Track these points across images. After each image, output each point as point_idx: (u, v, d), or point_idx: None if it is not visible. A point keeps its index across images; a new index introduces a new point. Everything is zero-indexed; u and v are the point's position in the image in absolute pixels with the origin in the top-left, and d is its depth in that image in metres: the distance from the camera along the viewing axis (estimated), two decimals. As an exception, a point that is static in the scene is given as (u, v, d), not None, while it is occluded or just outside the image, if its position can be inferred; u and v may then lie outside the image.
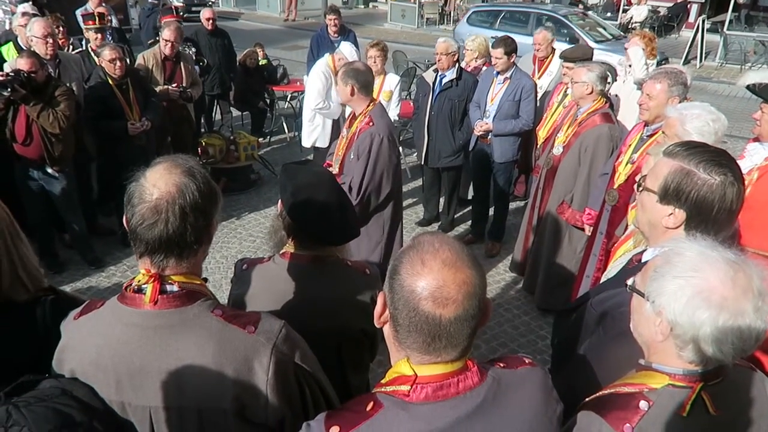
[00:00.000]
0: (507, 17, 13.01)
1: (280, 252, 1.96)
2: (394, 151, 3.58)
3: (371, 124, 3.49)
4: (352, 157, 3.56)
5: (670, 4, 18.27)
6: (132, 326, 1.30)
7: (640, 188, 1.69)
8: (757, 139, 3.13)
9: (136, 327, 1.30)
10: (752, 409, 1.33)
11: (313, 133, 5.80)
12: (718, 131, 2.42)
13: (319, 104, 5.68)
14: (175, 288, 1.32)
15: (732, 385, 1.28)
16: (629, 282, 1.35)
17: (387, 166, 3.54)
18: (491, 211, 5.58)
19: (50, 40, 4.77)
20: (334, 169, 3.72)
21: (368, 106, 3.55)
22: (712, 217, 1.55)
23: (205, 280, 1.42)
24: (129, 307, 1.31)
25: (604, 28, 12.79)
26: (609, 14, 17.93)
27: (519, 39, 5.48)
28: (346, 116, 5.14)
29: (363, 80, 3.46)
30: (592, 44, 10.94)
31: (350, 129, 3.66)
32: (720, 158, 1.56)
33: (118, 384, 1.30)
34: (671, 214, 1.60)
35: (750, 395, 1.34)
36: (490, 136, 5.02)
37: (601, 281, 2.65)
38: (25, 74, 4.14)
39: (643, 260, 1.72)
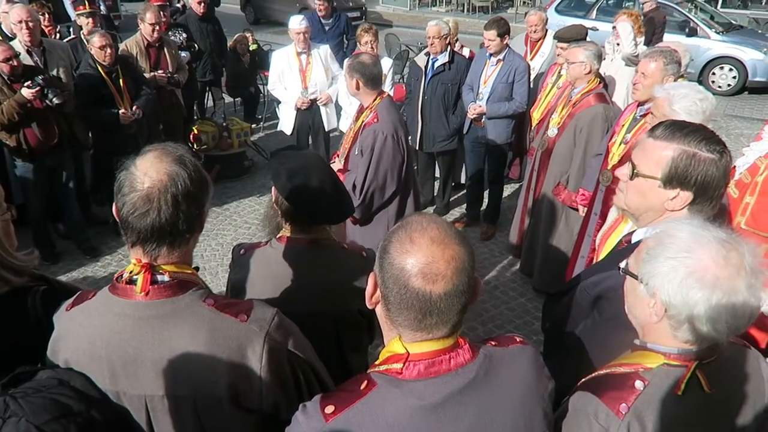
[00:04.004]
0: (604, 5, 11.51)
1: (277, 236, 1.98)
2: (400, 150, 3.47)
3: (376, 120, 3.39)
4: (356, 152, 3.49)
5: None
6: (124, 317, 1.30)
7: (634, 176, 1.65)
8: None
9: (128, 317, 1.30)
10: (747, 386, 1.34)
11: (288, 119, 5.82)
12: (706, 110, 2.42)
13: (275, 89, 5.69)
14: (167, 278, 1.31)
15: (726, 362, 1.29)
16: (622, 265, 1.36)
17: (391, 165, 3.44)
18: (486, 194, 5.58)
19: (28, 26, 4.59)
20: (340, 163, 3.66)
21: (375, 100, 3.45)
22: (713, 194, 1.56)
23: (197, 269, 1.42)
24: (120, 298, 1.31)
25: (712, 16, 11.34)
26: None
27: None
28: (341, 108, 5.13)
29: (369, 74, 3.36)
30: (715, 37, 10.30)
31: (356, 123, 3.57)
32: (711, 134, 1.58)
33: (112, 374, 1.30)
34: (676, 196, 1.58)
35: (744, 373, 1.36)
36: (483, 119, 5.00)
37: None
38: (47, 75, 4.24)
39: (633, 241, 1.72)
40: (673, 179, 1.57)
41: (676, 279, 1.17)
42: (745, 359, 1.37)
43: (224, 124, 6.88)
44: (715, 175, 1.54)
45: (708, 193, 1.56)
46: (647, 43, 6.37)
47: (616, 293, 1.40)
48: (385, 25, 16.28)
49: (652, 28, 8.26)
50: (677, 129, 1.60)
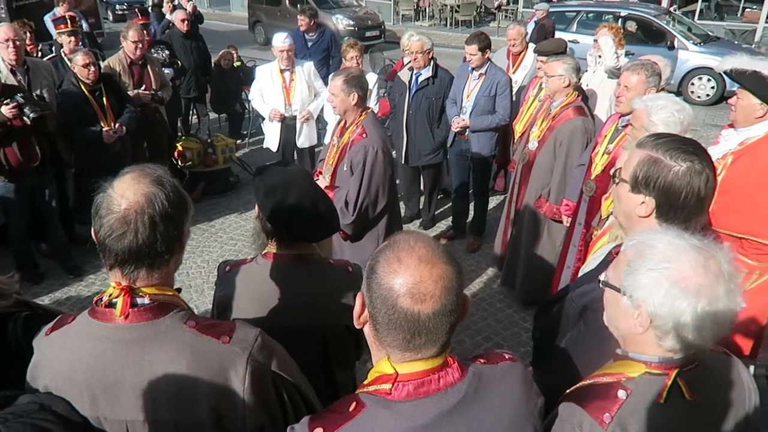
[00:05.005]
0: (584, 19, 11.81)
1: (263, 252, 1.97)
2: (390, 164, 3.50)
3: (364, 135, 3.39)
4: (345, 169, 3.48)
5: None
6: (104, 340, 1.28)
7: (616, 180, 1.72)
8: (732, 125, 3.19)
9: (107, 341, 1.28)
10: (727, 392, 1.36)
11: (273, 135, 5.83)
12: (683, 121, 2.48)
13: (254, 100, 5.76)
14: (147, 300, 1.30)
15: (707, 370, 1.31)
16: (601, 278, 1.37)
17: (382, 180, 3.46)
18: (472, 207, 5.61)
19: (14, 44, 4.57)
20: (325, 179, 3.64)
21: (361, 115, 3.45)
22: (680, 203, 1.58)
23: (179, 290, 1.40)
24: (100, 322, 1.30)
25: (689, 28, 11.57)
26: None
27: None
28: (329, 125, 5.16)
29: (365, 89, 3.38)
30: (693, 48, 10.45)
31: (341, 138, 3.56)
32: (687, 146, 1.60)
33: (92, 399, 1.28)
34: (643, 202, 1.63)
35: (724, 379, 1.37)
36: (467, 132, 5.04)
37: (580, 273, 2.69)
38: (27, 93, 4.21)
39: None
40: (638, 183, 1.62)
41: (662, 290, 1.18)
42: (724, 366, 1.39)
43: (209, 140, 6.87)
44: (677, 184, 1.56)
45: (671, 201, 1.59)
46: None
47: (601, 305, 1.41)
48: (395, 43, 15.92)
49: (543, 34, 9.10)
50: (654, 137, 1.66)
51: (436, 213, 6.02)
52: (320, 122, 6.22)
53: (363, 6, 17.54)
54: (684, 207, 1.59)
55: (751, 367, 2.42)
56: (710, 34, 11.84)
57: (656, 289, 1.19)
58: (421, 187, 5.92)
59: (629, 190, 1.65)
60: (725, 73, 3.07)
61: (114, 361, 1.27)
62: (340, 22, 15.45)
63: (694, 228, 1.28)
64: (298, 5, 13.69)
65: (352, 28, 15.26)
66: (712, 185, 1.59)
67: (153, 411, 1.28)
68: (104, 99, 4.90)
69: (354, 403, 1.12)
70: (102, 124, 4.86)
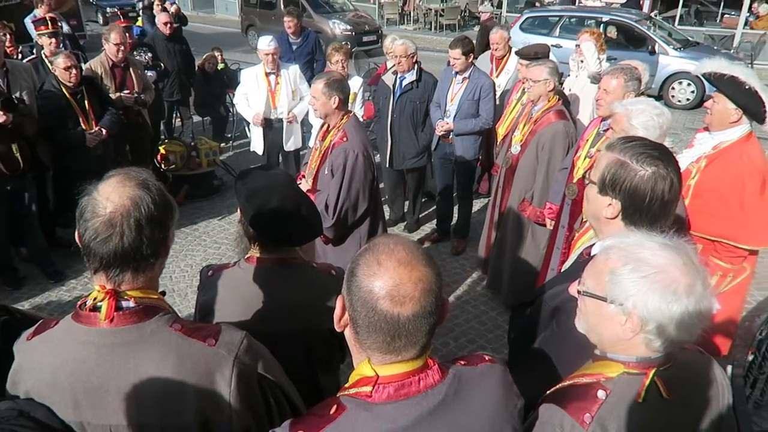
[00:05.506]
0: (567, 24, 11.86)
1: (245, 257, 1.96)
2: (370, 167, 3.50)
3: (345, 139, 3.39)
4: (326, 172, 3.48)
5: (623, 0, 18.74)
6: (88, 344, 1.28)
7: (586, 181, 1.76)
8: (707, 129, 3.24)
9: (92, 345, 1.27)
10: (703, 390, 1.39)
11: (258, 138, 5.83)
12: (663, 125, 2.53)
13: (239, 104, 5.75)
14: (132, 304, 1.29)
15: (682, 368, 1.33)
16: (581, 289, 1.36)
17: (363, 183, 3.46)
18: (456, 210, 5.64)
19: None
20: (308, 183, 3.64)
21: (342, 119, 3.45)
22: (645, 206, 1.62)
23: (163, 293, 1.40)
24: (84, 326, 1.29)
25: (669, 33, 11.72)
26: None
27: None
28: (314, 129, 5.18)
29: (346, 93, 3.37)
30: (674, 53, 10.60)
31: (323, 142, 3.56)
32: (654, 151, 1.64)
33: (75, 404, 1.27)
34: (609, 204, 1.67)
35: (699, 377, 1.40)
36: (451, 136, 5.07)
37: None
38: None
39: (592, 253, 1.77)
40: (606, 185, 1.66)
41: (655, 295, 1.20)
42: (699, 365, 1.42)
43: (192, 143, 6.83)
44: (642, 188, 1.60)
45: (636, 204, 1.62)
46: (483, 50, 6.89)
47: (572, 306, 1.43)
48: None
49: (487, 36, 9.03)
50: (623, 141, 1.70)
51: (420, 216, 6.04)
52: (305, 125, 6.22)
53: (356, 11, 17.39)
54: (649, 210, 1.62)
55: (729, 367, 2.47)
56: (690, 39, 12.03)
57: (649, 294, 1.20)
58: (406, 191, 5.94)
59: (597, 191, 1.69)
60: (703, 76, 3.11)
61: (98, 366, 1.27)
62: (336, 26, 15.28)
63: (660, 231, 1.31)
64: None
65: (350, 33, 15.09)
66: (677, 190, 1.63)
67: (138, 415, 1.28)
68: (86, 102, 4.85)
69: (335, 406, 1.13)
70: (84, 127, 4.81)
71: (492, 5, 19.26)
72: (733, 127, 3.06)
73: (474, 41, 5.02)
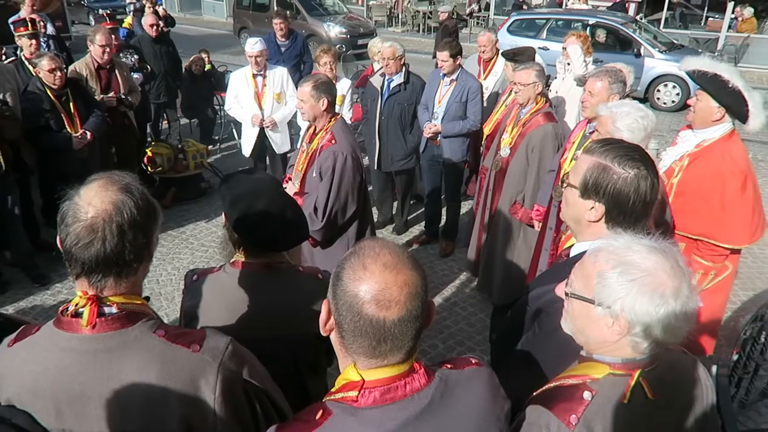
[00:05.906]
0: (554, 26, 12.01)
1: (231, 261, 1.94)
2: (359, 170, 3.50)
3: (333, 141, 3.38)
4: (314, 175, 3.46)
5: (609, 3, 18.91)
6: (70, 351, 1.26)
7: (564, 185, 1.76)
8: (689, 127, 3.27)
9: (74, 352, 1.26)
10: (686, 391, 1.40)
11: (250, 140, 5.80)
12: (647, 127, 2.55)
13: (232, 109, 5.74)
14: (114, 310, 1.28)
15: (666, 369, 1.34)
16: (568, 290, 1.37)
17: (352, 186, 3.44)
18: (444, 212, 5.65)
19: None
20: (295, 185, 3.62)
21: (330, 121, 3.45)
22: (628, 208, 1.64)
23: (147, 298, 1.38)
24: (66, 332, 1.27)
25: (655, 36, 11.91)
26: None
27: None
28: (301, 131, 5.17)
29: (334, 95, 3.36)
30: (659, 56, 10.72)
31: (311, 144, 3.54)
32: (633, 153, 1.65)
33: (58, 411, 1.26)
34: (592, 207, 1.68)
35: (683, 378, 1.41)
36: (439, 138, 5.08)
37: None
38: None
39: (571, 255, 1.78)
40: (588, 189, 1.66)
41: (643, 298, 1.20)
42: (683, 365, 1.43)
43: (179, 145, 6.78)
44: (626, 191, 1.62)
45: (621, 207, 1.64)
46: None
47: (555, 307, 1.44)
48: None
49: (447, 34, 9.93)
50: (601, 144, 1.71)
51: (408, 218, 6.04)
52: (293, 128, 6.20)
53: (350, 13, 17.30)
54: (632, 212, 1.64)
55: (714, 367, 2.49)
56: (675, 42, 12.18)
57: (637, 298, 1.21)
58: (395, 193, 5.95)
59: (579, 195, 1.69)
60: (687, 73, 3.13)
61: (80, 373, 1.25)
62: (331, 29, 15.14)
63: (641, 231, 1.32)
64: (288, 12, 13.62)
65: (345, 35, 14.95)
66: (657, 190, 1.66)
67: (121, 423, 1.26)
68: (71, 104, 4.80)
69: (321, 411, 1.12)
70: (69, 129, 4.75)
71: (480, 8, 19.44)
72: (716, 125, 3.09)
73: (461, 44, 5.03)
